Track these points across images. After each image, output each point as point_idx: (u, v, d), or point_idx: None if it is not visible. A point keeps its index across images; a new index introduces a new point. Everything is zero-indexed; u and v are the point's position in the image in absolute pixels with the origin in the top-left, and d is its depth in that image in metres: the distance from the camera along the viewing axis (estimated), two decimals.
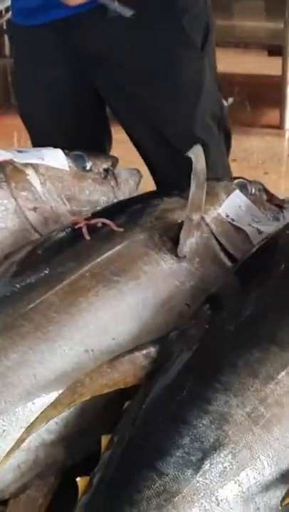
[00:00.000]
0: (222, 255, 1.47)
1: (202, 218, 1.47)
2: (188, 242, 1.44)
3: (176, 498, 1.04)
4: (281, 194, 1.78)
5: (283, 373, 1.12)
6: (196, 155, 1.42)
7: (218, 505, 1.04)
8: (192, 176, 1.42)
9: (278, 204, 1.60)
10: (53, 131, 1.95)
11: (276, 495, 1.06)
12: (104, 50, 1.85)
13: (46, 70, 1.95)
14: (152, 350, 1.24)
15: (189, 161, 1.45)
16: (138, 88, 1.87)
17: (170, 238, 1.45)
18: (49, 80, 1.95)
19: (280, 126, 4.12)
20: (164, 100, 1.88)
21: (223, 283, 1.34)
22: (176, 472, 1.05)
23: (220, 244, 1.48)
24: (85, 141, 1.89)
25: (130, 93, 1.88)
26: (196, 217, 1.43)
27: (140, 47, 1.83)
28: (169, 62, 1.86)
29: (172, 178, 1.83)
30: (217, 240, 1.48)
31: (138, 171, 1.80)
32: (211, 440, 1.07)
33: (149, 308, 1.38)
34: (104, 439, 1.15)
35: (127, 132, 1.98)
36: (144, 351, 1.24)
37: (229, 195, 1.55)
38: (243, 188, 1.57)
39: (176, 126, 1.88)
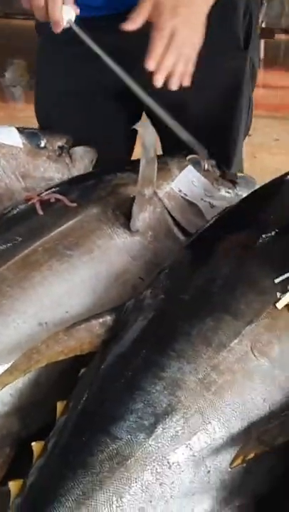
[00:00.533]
0: (175, 229, 1.51)
1: (155, 193, 1.50)
2: (141, 217, 1.47)
3: (129, 461, 1.07)
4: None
5: (236, 341, 1.16)
6: (144, 129, 1.45)
7: (169, 468, 1.08)
8: (142, 151, 1.45)
9: (231, 179, 1.64)
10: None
11: (226, 458, 1.10)
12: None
13: (81, 63, 1.86)
14: (108, 318, 1.27)
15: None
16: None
17: (123, 213, 1.48)
18: (81, 75, 1.90)
19: None
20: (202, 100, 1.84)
21: (178, 256, 1.37)
22: (129, 436, 1.08)
23: (173, 218, 1.52)
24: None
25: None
26: (148, 192, 1.46)
27: None
28: (211, 62, 1.77)
29: None
30: (170, 214, 1.52)
31: (93, 149, 1.83)
32: (164, 405, 1.10)
33: (102, 282, 1.42)
34: (60, 405, 1.18)
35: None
36: (101, 319, 1.27)
37: (182, 170, 1.58)
38: (195, 163, 1.61)
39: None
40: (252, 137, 2.87)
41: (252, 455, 1.08)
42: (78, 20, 1.66)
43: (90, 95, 1.91)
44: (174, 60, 1.58)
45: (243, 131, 1.95)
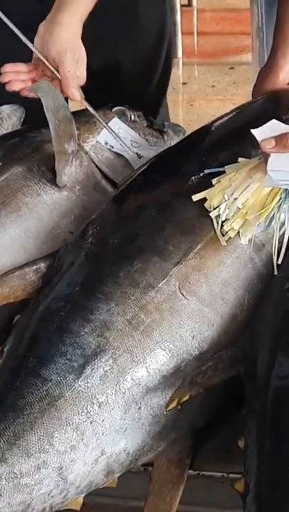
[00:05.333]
0: (103, 182, 1.57)
1: (80, 147, 1.56)
2: (67, 172, 1.52)
3: (59, 402, 1.14)
4: (180, 122, 1.87)
5: (163, 282, 1.22)
6: (40, 91, 1.52)
7: (99, 406, 1.14)
8: (46, 114, 1.51)
9: (158, 129, 1.69)
10: None
11: (156, 394, 1.17)
12: None
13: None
14: (42, 265, 1.35)
15: None
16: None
17: (49, 169, 1.53)
18: None
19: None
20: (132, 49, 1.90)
21: (107, 204, 1.42)
22: (58, 378, 1.15)
23: (100, 171, 1.57)
24: None
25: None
26: (69, 147, 1.52)
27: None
28: (135, 17, 1.86)
29: None
30: (97, 167, 1.57)
31: (20, 107, 1.86)
32: (93, 347, 1.17)
33: (32, 239, 1.48)
34: None
35: None
36: (34, 267, 1.35)
37: (108, 122, 1.63)
38: (121, 115, 1.66)
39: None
40: (188, 85, 2.95)
41: (187, 397, 1.15)
42: None
43: None
44: None
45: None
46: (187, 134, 1.69)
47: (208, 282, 1.24)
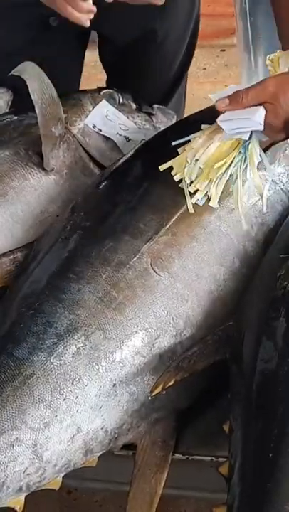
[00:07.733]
0: (92, 165, 1.58)
1: (68, 130, 1.57)
2: (55, 155, 1.54)
3: (31, 380, 1.16)
4: None
5: (134, 259, 1.24)
6: (25, 73, 1.54)
7: (72, 383, 1.17)
8: (32, 97, 1.52)
9: (147, 112, 1.70)
10: None
11: (132, 371, 1.20)
12: None
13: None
14: (19, 255, 1.38)
15: None
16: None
17: (36, 152, 1.54)
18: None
19: None
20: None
21: (91, 190, 1.45)
22: (30, 356, 1.18)
23: (88, 154, 1.58)
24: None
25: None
26: (57, 130, 1.54)
27: None
28: None
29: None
30: (85, 150, 1.58)
31: (8, 90, 1.88)
32: (64, 325, 1.20)
33: (19, 223, 1.50)
34: None
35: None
36: (11, 256, 1.38)
37: (95, 105, 1.65)
38: (110, 97, 1.67)
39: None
40: None
41: (172, 382, 1.17)
42: None
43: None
44: None
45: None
46: None
47: (180, 258, 1.25)
